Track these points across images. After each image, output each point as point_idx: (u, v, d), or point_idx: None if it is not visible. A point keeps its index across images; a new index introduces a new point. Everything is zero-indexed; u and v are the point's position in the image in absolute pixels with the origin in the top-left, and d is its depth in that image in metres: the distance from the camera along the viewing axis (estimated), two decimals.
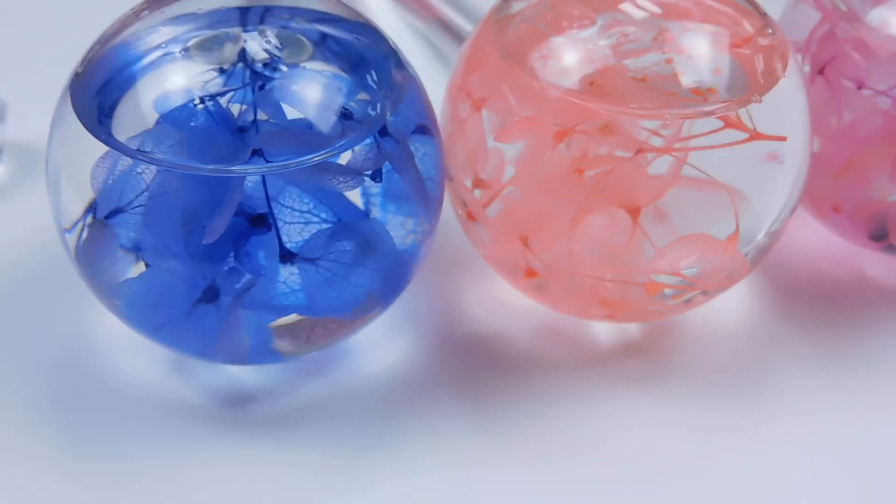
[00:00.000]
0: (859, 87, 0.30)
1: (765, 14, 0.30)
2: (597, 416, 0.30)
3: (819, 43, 0.31)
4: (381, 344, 0.32)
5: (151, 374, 0.30)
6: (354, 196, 0.27)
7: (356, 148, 0.27)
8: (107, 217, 0.26)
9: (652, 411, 0.30)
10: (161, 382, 0.30)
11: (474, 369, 0.31)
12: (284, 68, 0.28)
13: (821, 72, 0.31)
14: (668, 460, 0.29)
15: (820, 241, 0.35)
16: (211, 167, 0.25)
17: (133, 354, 0.30)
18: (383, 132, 0.27)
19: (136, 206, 0.25)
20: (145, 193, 0.25)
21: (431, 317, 0.32)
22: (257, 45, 0.28)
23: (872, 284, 0.34)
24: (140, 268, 0.27)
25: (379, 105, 0.27)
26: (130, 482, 0.28)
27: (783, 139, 0.28)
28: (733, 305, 0.33)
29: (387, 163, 0.27)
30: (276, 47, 0.28)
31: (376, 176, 0.27)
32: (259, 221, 0.27)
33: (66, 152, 0.27)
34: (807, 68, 0.31)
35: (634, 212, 0.28)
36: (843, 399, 0.31)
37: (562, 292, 0.30)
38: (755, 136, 0.27)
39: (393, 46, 0.29)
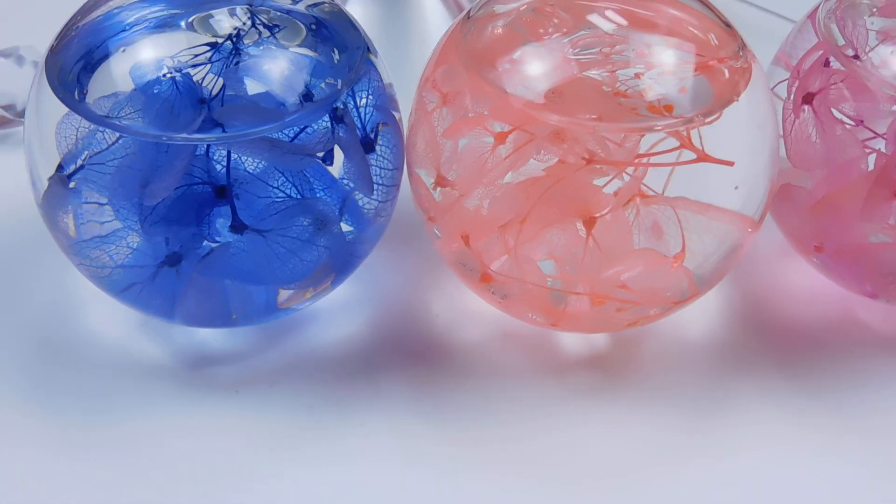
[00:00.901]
0: (846, 122, 0.30)
1: (737, 36, 0.30)
2: (556, 425, 0.30)
3: (809, 71, 0.30)
4: (342, 329, 0.32)
5: (121, 332, 0.32)
6: (311, 175, 0.28)
7: (310, 128, 0.28)
8: (68, 175, 0.27)
9: (610, 425, 0.30)
10: (128, 341, 0.32)
11: (434, 369, 0.31)
12: (269, 48, 0.29)
13: (808, 100, 0.30)
14: (623, 474, 0.29)
15: (806, 281, 0.34)
16: (153, 133, 0.26)
17: (104, 313, 0.32)
18: (338, 118, 0.28)
19: (95, 165, 0.27)
20: (102, 154, 0.27)
21: (395, 316, 0.33)
22: (251, 23, 0.29)
23: (854, 324, 0.33)
24: (102, 228, 0.28)
25: (334, 89, 0.28)
26: (93, 435, 0.29)
27: (730, 164, 0.28)
28: (705, 322, 0.33)
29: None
30: (269, 27, 0.30)
31: (327, 158, 0.28)
32: (223, 192, 0.28)
33: (38, 118, 0.28)
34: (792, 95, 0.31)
35: (589, 222, 0.28)
36: (800, 432, 0.30)
37: (510, 298, 0.30)
38: (703, 157, 0.27)
39: (364, 40, 0.30)
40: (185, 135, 0.26)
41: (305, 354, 0.32)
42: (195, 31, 0.30)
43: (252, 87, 0.28)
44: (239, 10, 0.30)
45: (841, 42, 0.30)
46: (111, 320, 0.32)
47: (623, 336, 0.33)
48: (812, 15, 0.31)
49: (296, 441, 0.29)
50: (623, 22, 0.29)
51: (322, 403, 0.30)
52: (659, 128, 0.27)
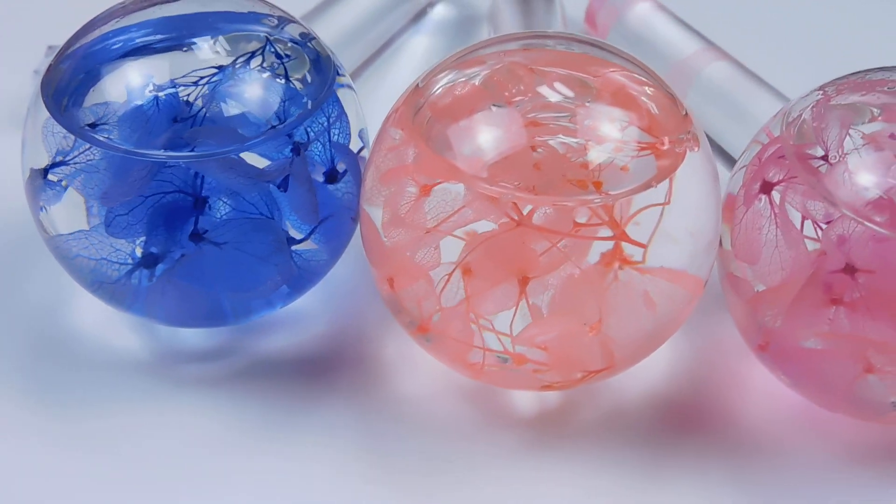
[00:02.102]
0: (796, 219, 0.29)
1: (686, 116, 0.30)
2: (497, 479, 0.31)
3: (770, 159, 0.30)
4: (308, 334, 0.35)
5: (108, 330, 0.34)
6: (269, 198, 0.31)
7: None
8: (45, 168, 0.30)
9: (542, 485, 0.31)
10: (115, 338, 0.34)
11: (377, 407, 0.32)
12: (258, 75, 0.31)
13: (766, 190, 0.30)
14: None
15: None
16: (111, 144, 0.29)
17: (93, 311, 0.35)
18: (295, 147, 0.30)
19: (68, 163, 0.30)
20: (76, 155, 0.30)
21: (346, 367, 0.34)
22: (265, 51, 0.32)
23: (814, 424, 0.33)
24: (71, 223, 0.31)
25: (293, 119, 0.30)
26: (79, 427, 0.32)
27: (643, 246, 0.28)
28: (662, 384, 0.34)
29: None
30: (280, 56, 0.32)
31: (282, 185, 0.31)
32: (201, 203, 0.31)
33: (33, 118, 0.31)
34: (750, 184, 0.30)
35: (523, 282, 0.29)
36: None
37: (432, 344, 0.31)
38: (620, 236, 0.28)
39: (333, 73, 0.32)
40: (130, 147, 0.29)
41: (273, 357, 0.34)
42: (216, 52, 0.32)
43: (231, 111, 0.31)
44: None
45: (810, 140, 0.30)
46: (100, 319, 0.35)
47: (576, 394, 0.33)
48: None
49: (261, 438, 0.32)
50: (576, 92, 0.29)
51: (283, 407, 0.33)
52: (573, 203, 0.28)
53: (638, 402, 0.33)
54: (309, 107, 0.31)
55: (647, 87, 0.30)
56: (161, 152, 0.29)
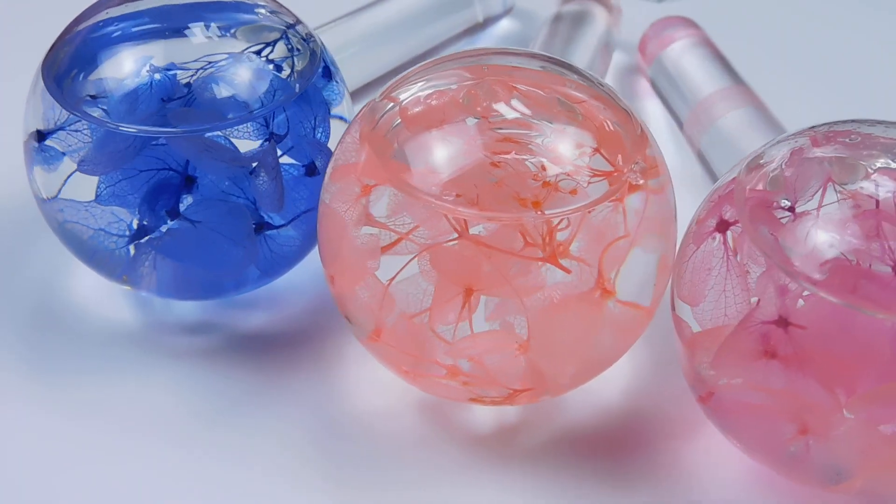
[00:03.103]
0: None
1: (641, 134, 0.29)
2: (453, 496, 0.31)
3: (727, 197, 0.29)
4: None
5: (105, 303, 0.36)
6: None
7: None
8: (43, 132, 0.32)
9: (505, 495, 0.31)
10: (111, 311, 0.36)
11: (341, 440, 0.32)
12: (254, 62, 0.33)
13: (722, 229, 0.29)
14: None
15: None
16: (95, 117, 0.31)
17: (91, 286, 0.36)
18: (270, 138, 0.32)
19: (63, 130, 0.32)
20: (69, 125, 0.32)
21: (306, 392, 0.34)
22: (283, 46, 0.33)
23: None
24: (62, 191, 0.32)
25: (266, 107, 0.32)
26: (75, 394, 0.33)
27: (568, 271, 0.27)
28: (615, 400, 0.33)
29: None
30: (292, 49, 0.33)
31: (255, 172, 0.32)
32: (189, 182, 0.33)
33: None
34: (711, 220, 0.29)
35: (467, 293, 0.29)
36: None
37: (376, 351, 0.31)
38: (548, 259, 0.27)
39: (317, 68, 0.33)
40: (107, 120, 0.31)
41: (257, 332, 0.36)
42: (237, 38, 0.34)
43: (221, 95, 0.32)
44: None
45: (780, 187, 0.29)
46: (96, 293, 0.36)
47: (531, 412, 0.33)
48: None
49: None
50: (543, 111, 0.29)
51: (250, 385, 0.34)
52: (506, 220, 0.27)
53: (593, 422, 0.33)
54: (282, 99, 0.32)
55: (602, 105, 0.30)
56: (134, 126, 0.31)
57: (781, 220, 0.28)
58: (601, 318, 0.29)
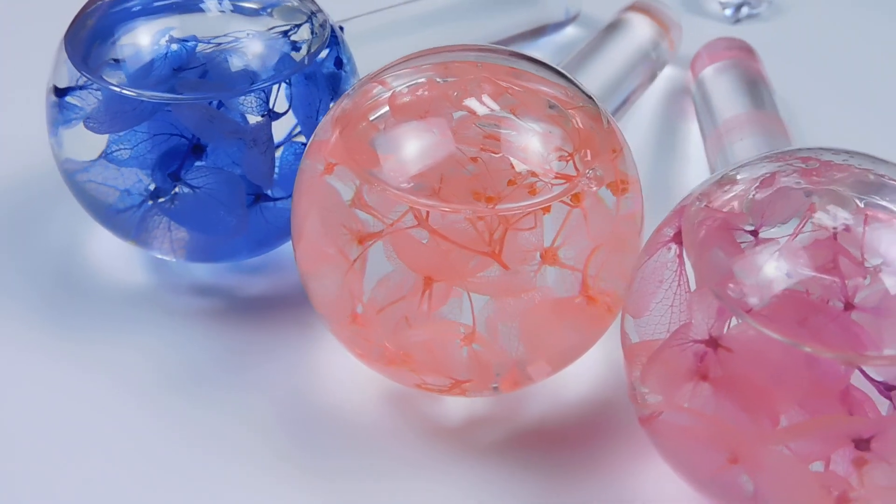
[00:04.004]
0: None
1: (608, 127, 0.29)
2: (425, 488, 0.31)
3: (683, 210, 0.29)
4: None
5: (122, 265, 0.38)
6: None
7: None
8: (64, 89, 0.34)
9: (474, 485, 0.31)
10: (128, 274, 0.38)
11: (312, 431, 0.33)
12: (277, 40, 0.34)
13: (678, 240, 0.28)
14: None
15: None
16: (98, 79, 0.33)
17: (108, 249, 0.39)
18: (268, 114, 0.33)
19: (83, 89, 0.34)
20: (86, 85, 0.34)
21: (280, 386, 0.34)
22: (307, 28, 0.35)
23: None
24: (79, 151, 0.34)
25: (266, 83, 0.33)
26: (92, 350, 0.35)
27: (507, 267, 0.27)
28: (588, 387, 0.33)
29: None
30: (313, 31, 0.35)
31: (256, 143, 0.33)
32: (197, 149, 0.34)
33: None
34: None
35: (427, 281, 0.29)
36: None
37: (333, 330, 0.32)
38: (492, 255, 0.28)
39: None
40: (116, 86, 0.33)
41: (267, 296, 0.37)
42: (272, 16, 0.36)
43: (235, 69, 0.34)
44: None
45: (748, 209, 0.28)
46: (112, 256, 0.38)
47: (509, 401, 0.33)
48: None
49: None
50: (521, 110, 0.30)
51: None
52: (448, 210, 0.28)
53: (563, 414, 0.33)
54: (283, 74, 0.33)
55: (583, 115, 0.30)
56: (134, 90, 0.32)
57: (741, 244, 0.28)
58: (579, 320, 0.29)
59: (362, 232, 0.29)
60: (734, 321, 0.26)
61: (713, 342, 0.26)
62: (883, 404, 0.26)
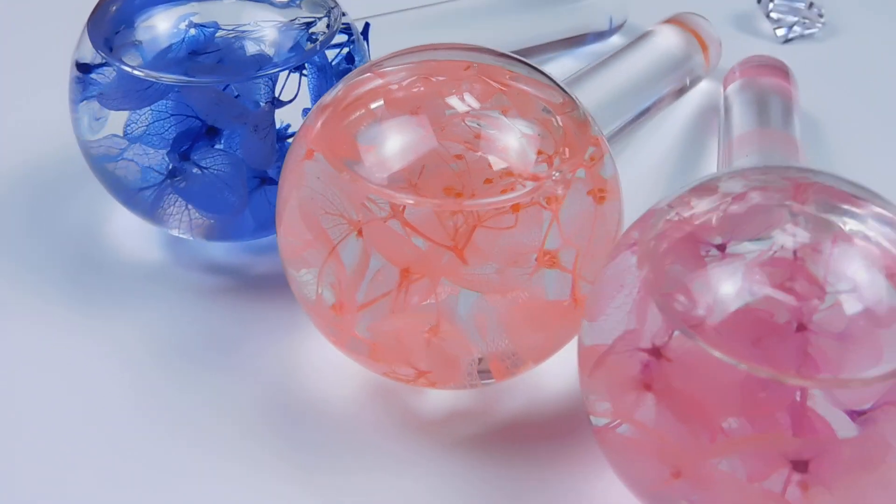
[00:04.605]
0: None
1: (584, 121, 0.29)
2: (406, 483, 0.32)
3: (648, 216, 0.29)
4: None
5: (142, 245, 0.40)
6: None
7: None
8: (87, 65, 0.36)
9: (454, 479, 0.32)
10: (146, 252, 0.40)
11: (297, 424, 0.33)
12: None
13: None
14: None
15: None
16: (112, 60, 0.34)
17: (129, 230, 0.40)
18: (272, 101, 0.34)
19: (104, 66, 0.35)
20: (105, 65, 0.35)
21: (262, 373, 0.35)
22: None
23: None
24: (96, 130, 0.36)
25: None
26: (112, 323, 0.37)
27: (466, 262, 0.28)
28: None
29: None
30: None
31: (257, 129, 0.34)
32: (211, 132, 0.36)
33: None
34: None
35: (404, 273, 0.30)
36: None
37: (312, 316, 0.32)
38: (453, 248, 0.28)
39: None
40: (131, 69, 0.34)
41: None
42: (300, 7, 0.37)
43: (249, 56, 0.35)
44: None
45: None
46: (132, 235, 0.40)
47: (491, 396, 0.34)
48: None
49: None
50: (512, 111, 0.30)
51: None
52: (412, 202, 0.28)
53: (549, 406, 0.33)
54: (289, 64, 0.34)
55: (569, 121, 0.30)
56: (142, 70, 0.34)
57: (705, 257, 0.27)
58: (566, 320, 0.29)
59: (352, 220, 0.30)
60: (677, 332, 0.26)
61: (656, 351, 0.26)
62: (846, 429, 0.26)
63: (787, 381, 0.24)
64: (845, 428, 0.26)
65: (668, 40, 0.43)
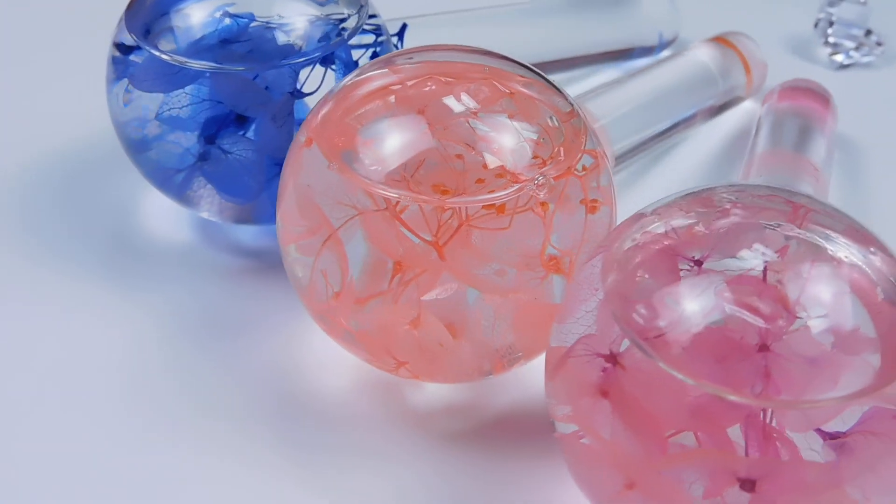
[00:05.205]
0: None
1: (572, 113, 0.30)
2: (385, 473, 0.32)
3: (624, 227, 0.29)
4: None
5: (173, 228, 0.41)
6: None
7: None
8: (124, 45, 0.37)
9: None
10: (176, 234, 0.41)
11: (293, 418, 0.34)
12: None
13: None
14: None
15: None
16: (161, 52, 0.36)
17: (160, 214, 0.42)
18: (293, 92, 0.35)
19: (140, 49, 0.37)
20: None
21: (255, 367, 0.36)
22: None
23: None
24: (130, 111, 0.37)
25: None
26: (144, 297, 0.38)
27: (444, 259, 0.28)
28: None
29: None
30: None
31: (276, 118, 0.35)
32: (241, 119, 0.37)
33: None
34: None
35: (396, 265, 0.31)
36: None
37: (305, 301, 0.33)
38: (434, 245, 0.28)
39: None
40: (158, 53, 0.36)
41: None
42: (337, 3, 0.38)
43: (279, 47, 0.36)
44: None
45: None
46: (163, 218, 0.42)
47: (481, 391, 0.34)
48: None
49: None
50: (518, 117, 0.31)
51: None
52: (395, 196, 0.29)
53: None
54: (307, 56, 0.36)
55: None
56: (168, 55, 0.35)
57: (681, 271, 0.27)
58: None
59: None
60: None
61: (612, 358, 0.26)
62: (816, 453, 0.26)
63: (732, 398, 0.24)
64: (817, 451, 0.26)
65: (704, 58, 0.43)
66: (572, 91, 0.36)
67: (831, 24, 0.51)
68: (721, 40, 0.45)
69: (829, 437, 0.26)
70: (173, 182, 0.38)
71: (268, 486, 0.32)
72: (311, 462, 0.33)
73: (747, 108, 0.47)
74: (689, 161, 0.44)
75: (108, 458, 0.33)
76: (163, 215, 0.42)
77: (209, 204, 0.38)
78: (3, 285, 0.39)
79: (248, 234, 0.41)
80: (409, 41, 0.42)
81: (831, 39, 0.51)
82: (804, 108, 0.40)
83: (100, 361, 0.36)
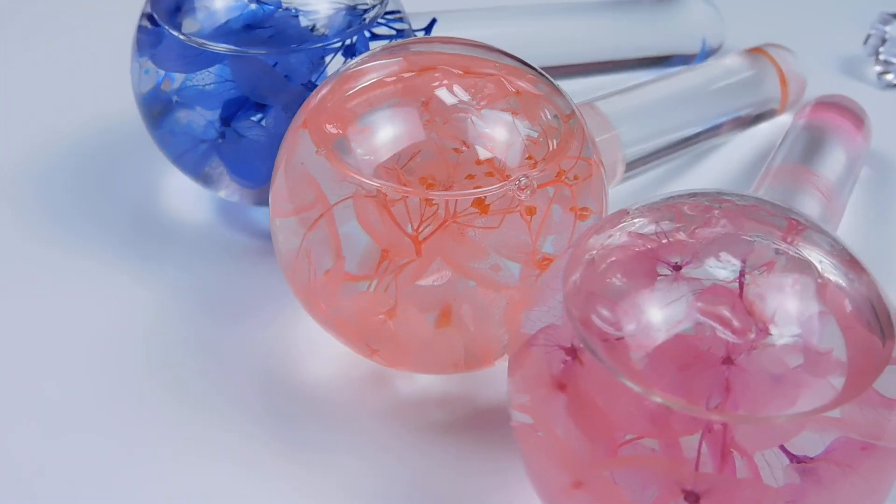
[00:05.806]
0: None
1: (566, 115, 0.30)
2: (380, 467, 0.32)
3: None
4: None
5: (196, 212, 0.42)
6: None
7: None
8: (151, 22, 0.38)
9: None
10: (198, 217, 0.42)
11: (280, 406, 0.34)
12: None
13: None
14: None
15: None
16: (185, 36, 0.37)
17: (181, 196, 0.43)
18: (307, 84, 0.36)
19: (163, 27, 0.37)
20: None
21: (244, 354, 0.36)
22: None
23: None
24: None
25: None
26: (167, 277, 0.39)
27: (420, 254, 0.28)
28: None
29: None
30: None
31: (287, 108, 0.36)
32: (260, 105, 0.38)
33: None
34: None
35: (383, 254, 0.31)
36: None
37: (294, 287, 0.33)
38: (413, 239, 0.29)
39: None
40: (179, 34, 0.36)
41: None
42: None
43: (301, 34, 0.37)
44: None
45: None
46: (185, 200, 0.43)
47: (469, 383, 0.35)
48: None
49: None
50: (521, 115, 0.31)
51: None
52: (377, 185, 0.29)
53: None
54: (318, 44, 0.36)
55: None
56: (184, 35, 0.36)
57: (658, 275, 0.27)
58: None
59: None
60: None
61: (573, 351, 0.26)
62: (780, 475, 0.25)
63: (679, 409, 0.24)
64: (779, 472, 0.25)
65: (735, 67, 0.42)
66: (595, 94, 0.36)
67: (883, 41, 0.49)
68: (759, 51, 0.44)
69: (797, 459, 0.25)
70: (190, 157, 0.39)
71: (255, 474, 0.32)
72: (302, 446, 0.33)
73: (783, 122, 0.46)
74: (715, 171, 0.44)
75: (128, 427, 0.34)
76: (183, 195, 0.43)
77: (229, 183, 0.39)
78: (23, 264, 0.40)
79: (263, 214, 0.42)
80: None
81: (882, 57, 0.49)
82: (830, 123, 0.39)
83: (115, 338, 0.37)
